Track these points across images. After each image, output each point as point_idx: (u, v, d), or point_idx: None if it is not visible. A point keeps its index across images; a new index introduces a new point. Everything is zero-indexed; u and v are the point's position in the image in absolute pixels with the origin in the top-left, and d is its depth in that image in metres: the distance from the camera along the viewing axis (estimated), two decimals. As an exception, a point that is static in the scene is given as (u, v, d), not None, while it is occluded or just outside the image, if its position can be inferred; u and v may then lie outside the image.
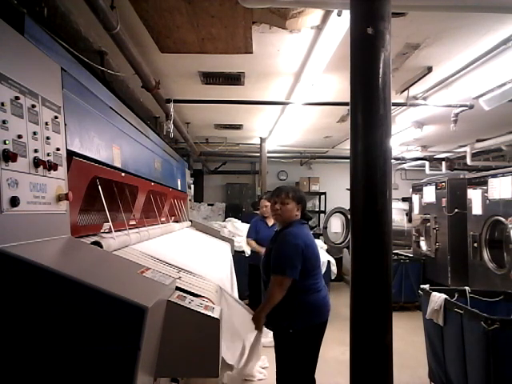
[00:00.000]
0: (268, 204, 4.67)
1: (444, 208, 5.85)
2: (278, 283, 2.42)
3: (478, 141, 6.90)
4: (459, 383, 2.81)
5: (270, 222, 4.72)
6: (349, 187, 1.81)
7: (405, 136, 6.45)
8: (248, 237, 4.81)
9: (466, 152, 7.26)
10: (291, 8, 2.63)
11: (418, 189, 6.85)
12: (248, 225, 5.13)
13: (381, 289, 1.72)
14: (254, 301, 4.05)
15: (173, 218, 3.69)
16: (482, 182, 4.90)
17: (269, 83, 4.41)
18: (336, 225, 8.56)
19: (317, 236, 7.88)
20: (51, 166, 1.26)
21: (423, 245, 6.62)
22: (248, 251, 5.14)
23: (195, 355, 1.27)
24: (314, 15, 2.80)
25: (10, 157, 1.06)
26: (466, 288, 3.24)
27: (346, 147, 7.57)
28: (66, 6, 2.17)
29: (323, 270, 5.44)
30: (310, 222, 2.79)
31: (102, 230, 1.91)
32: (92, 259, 1.39)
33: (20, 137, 1.13)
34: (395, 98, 4.46)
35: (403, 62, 3.71)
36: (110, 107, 1.99)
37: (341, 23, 2.69)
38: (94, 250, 1.50)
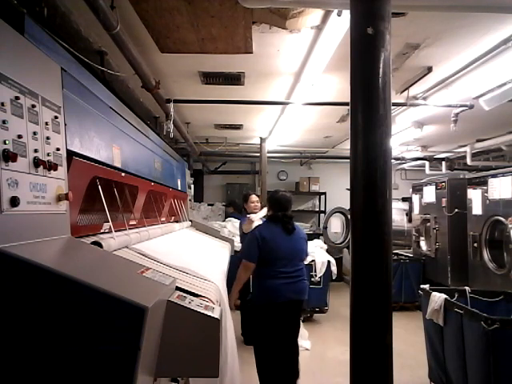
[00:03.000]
0: (258, 199, 4.76)
1: (444, 208, 5.86)
2: (241, 266, 3.18)
3: (478, 141, 6.89)
4: (459, 383, 2.82)
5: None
6: (349, 187, 1.81)
7: (405, 136, 6.45)
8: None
9: (466, 152, 7.25)
10: (291, 8, 2.63)
11: (418, 189, 6.86)
12: None
13: (381, 289, 1.72)
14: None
15: (173, 217, 3.69)
16: (481, 182, 4.91)
17: (269, 83, 4.41)
18: (336, 225, 8.57)
19: (317, 236, 7.88)
20: (51, 166, 1.25)
21: (423, 245, 6.63)
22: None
23: (195, 355, 1.26)
24: (314, 15, 2.80)
25: (9, 157, 1.06)
26: (466, 288, 3.25)
27: (346, 147, 7.57)
28: (66, 6, 2.17)
29: (323, 270, 5.49)
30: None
31: (102, 230, 1.91)
32: (92, 259, 1.39)
33: (20, 137, 1.12)
34: (395, 98, 4.47)
35: (403, 62, 3.71)
36: (110, 107, 1.98)
37: (341, 23, 2.68)
38: (93, 250, 1.50)
